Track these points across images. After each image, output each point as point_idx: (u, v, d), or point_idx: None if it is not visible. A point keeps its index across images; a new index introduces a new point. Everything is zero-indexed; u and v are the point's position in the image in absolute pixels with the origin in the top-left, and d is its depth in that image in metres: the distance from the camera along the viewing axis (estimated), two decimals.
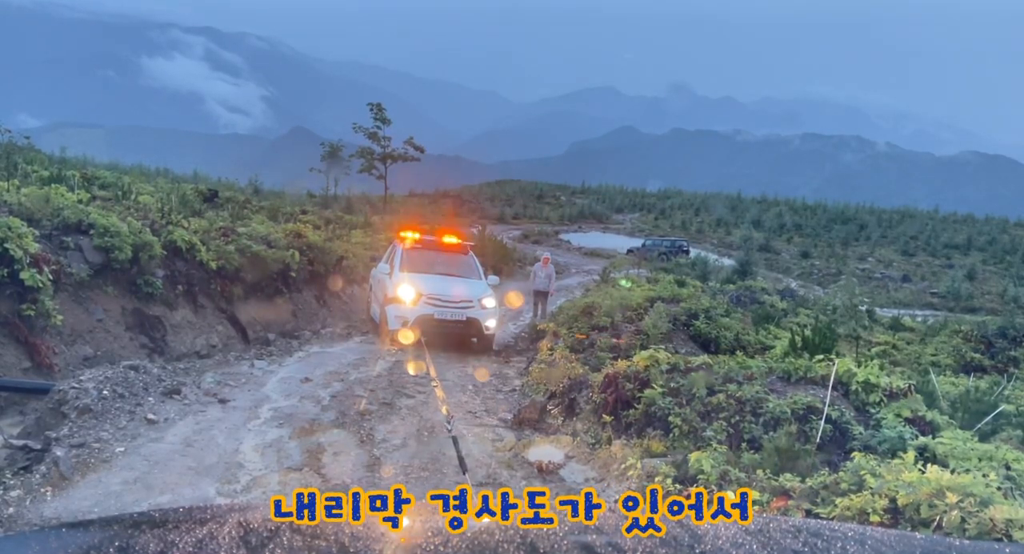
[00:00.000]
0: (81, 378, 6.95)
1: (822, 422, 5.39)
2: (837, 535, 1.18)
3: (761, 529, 1.19)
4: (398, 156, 44.40)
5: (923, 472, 3.90)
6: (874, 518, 3.70)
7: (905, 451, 5.65)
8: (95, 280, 9.77)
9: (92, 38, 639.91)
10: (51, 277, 8.57)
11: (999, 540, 3.49)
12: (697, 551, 1.11)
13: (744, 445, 5.75)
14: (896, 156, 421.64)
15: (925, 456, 5.22)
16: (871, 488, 3.94)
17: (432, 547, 1.10)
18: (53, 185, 12.43)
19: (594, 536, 1.16)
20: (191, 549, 1.05)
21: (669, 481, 5.01)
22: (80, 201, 11.34)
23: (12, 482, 4.96)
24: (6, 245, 8.09)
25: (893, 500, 3.78)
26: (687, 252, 44.01)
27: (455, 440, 5.77)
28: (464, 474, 4.70)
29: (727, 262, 39.55)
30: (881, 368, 7.70)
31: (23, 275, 8.13)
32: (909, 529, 3.55)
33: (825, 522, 1.32)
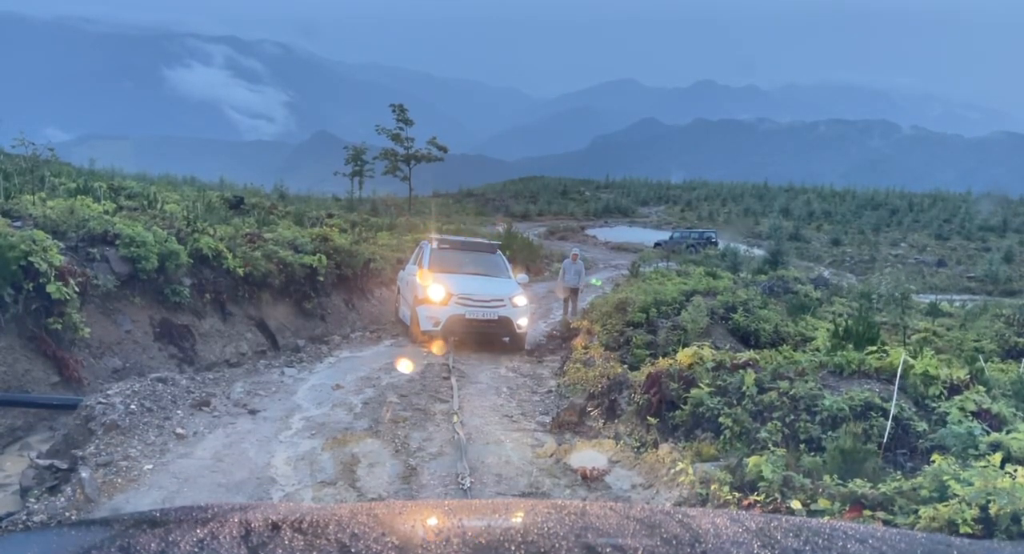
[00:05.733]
0: (108, 393, 6.77)
1: (889, 420, 5.03)
2: (838, 534, 1.18)
3: (762, 528, 1.18)
4: (422, 156, 44.30)
5: (1012, 477, 3.55)
6: (964, 529, 3.36)
7: (976, 448, 5.28)
8: (122, 291, 9.64)
9: (115, 51, 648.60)
10: (77, 289, 8.43)
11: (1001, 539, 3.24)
12: (699, 550, 1.09)
13: (802, 446, 5.41)
14: (923, 139, 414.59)
15: (1000, 454, 4.85)
16: (957, 495, 3.58)
17: (433, 547, 1.09)
18: (79, 196, 12.33)
19: (593, 535, 1.15)
20: (192, 548, 1.03)
21: (726, 489, 4.68)
22: (106, 212, 11.22)
23: (37, 507, 4.76)
24: (31, 258, 7.94)
25: (983, 508, 3.45)
26: (715, 243, 43.44)
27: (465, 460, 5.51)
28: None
29: (757, 252, 38.92)
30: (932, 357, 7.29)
31: (49, 288, 7.99)
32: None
33: (825, 521, 1.32)
